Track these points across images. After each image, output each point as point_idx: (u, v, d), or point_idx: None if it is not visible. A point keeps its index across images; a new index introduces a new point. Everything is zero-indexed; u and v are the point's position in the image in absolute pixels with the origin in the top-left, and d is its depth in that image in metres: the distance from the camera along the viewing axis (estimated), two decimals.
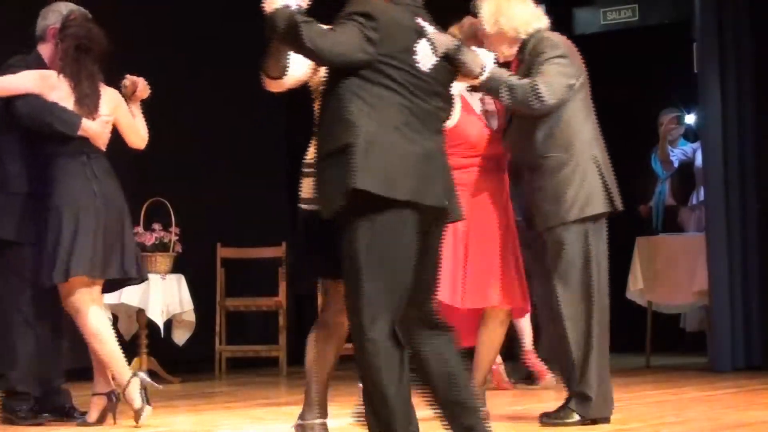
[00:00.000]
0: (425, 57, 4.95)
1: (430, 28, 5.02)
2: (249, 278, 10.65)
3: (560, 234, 6.49)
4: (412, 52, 4.92)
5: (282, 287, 10.43)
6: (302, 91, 5.83)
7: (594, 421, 6.46)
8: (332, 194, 4.80)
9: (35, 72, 7.12)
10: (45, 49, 7.27)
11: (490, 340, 6.86)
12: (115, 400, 7.03)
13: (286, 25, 4.82)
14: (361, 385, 4.90)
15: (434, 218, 4.90)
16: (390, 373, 4.70)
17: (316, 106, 5.37)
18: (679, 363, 10.56)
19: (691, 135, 11.09)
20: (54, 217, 7.02)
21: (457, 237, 6.68)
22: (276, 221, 10.56)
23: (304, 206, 5.58)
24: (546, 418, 6.55)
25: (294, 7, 4.90)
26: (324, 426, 5.76)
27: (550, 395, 7.51)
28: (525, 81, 6.40)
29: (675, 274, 10.38)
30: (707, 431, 6.32)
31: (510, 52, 6.63)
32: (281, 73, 5.34)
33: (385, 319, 4.68)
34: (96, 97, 7.15)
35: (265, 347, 10.58)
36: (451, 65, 5.08)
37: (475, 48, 6.17)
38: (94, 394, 7.10)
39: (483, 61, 5.37)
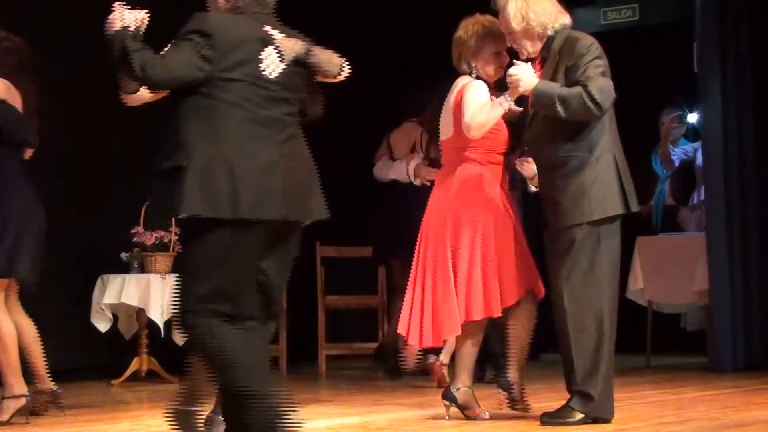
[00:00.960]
0: (271, 64, 5.02)
1: (278, 35, 5.06)
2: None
3: (573, 233, 6.48)
4: (257, 62, 4.96)
5: None
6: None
7: (595, 421, 6.43)
8: (163, 212, 5.06)
9: (3, 82, 7.29)
10: None
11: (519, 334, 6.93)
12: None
13: (119, 53, 4.91)
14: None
15: (282, 226, 5.04)
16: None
17: None
18: (680, 363, 10.58)
19: (691, 134, 11.06)
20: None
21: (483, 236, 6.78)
22: None
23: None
24: (547, 418, 6.52)
25: (132, 29, 4.95)
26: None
27: (551, 396, 7.46)
28: (576, 91, 6.39)
29: (675, 273, 10.38)
30: (707, 431, 6.29)
31: (534, 48, 6.63)
32: (134, 89, 5.40)
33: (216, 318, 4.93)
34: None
35: None
36: (306, 69, 5.15)
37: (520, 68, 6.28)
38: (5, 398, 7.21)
39: (339, 59, 5.30)
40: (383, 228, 9.66)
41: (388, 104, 10.46)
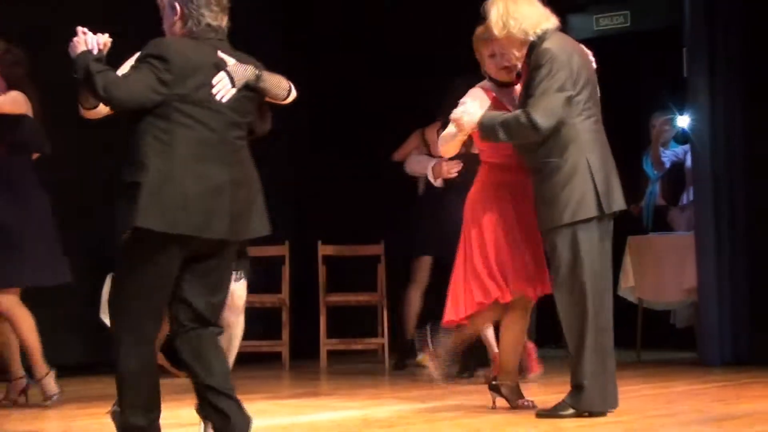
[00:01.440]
0: (223, 89, 5.10)
1: (231, 61, 5.15)
2: (254, 275, 10.63)
3: (552, 237, 6.52)
4: (211, 86, 5.03)
5: (285, 284, 10.45)
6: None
7: (590, 415, 6.47)
8: (120, 223, 5.05)
9: (20, 94, 7.53)
10: None
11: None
12: None
13: (83, 73, 5.02)
14: None
15: (214, 247, 5.18)
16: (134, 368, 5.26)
17: None
18: (669, 358, 10.56)
19: (680, 137, 11.09)
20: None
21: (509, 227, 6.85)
22: (280, 223, 10.54)
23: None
24: (543, 411, 6.57)
25: (95, 52, 5.06)
26: None
27: (551, 389, 7.51)
28: (515, 115, 6.46)
29: (665, 271, 10.40)
30: (696, 424, 6.32)
31: (520, 54, 6.61)
32: (93, 105, 5.43)
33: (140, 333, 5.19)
34: None
35: (268, 343, 10.58)
36: (256, 93, 5.24)
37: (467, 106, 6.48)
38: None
39: (287, 83, 5.38)
40: (421, 225, 9.58)
41: (391, 104, 10.52)
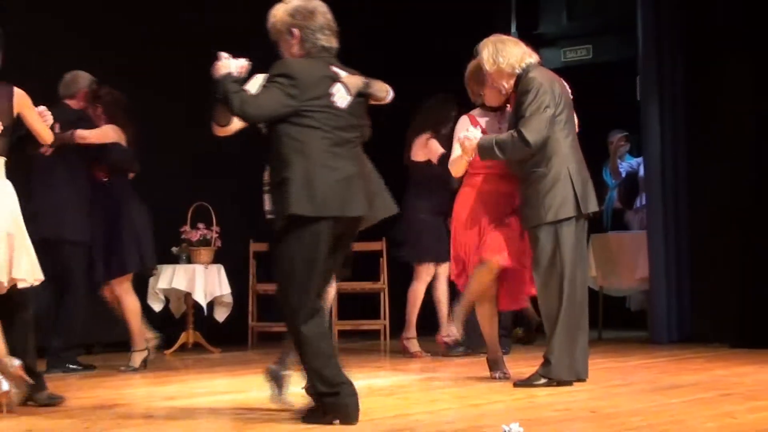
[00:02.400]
0: (341, 98, 5.15)
1: (343, 73, 5.19)
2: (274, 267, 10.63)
3: (536, 233, 6.54)
4: (330, 96, 5.06)
5: None
6: None
7: (559, 383, 6.47)
8: (277, 214, 5.13)
9: (112, 127, 7.90)
10: (73, 103, 8.01)
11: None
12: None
13: (222, 94, 5.10)
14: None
15: (354, 225, 5.26)
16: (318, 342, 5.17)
17: (263, 131, 5.43)
18: (625, 336, 10.57)
19: (635, 150, 11.08)
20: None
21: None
22: None
23: (268, 216, 5.62)
24: (519, 382, 6.57)
25: (235, 74, 5.14)
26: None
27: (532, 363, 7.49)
28: (508, 135, 6.54)
29: (621, 264, 10.42)
30: (648, 392, 6.31)
31: (509, 85, 6.71)
32: (228, 122, 5.54)
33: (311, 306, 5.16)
34: None
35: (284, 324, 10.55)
36: (364, 98, 5.30)
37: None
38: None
39: (387, 86, 5.43)
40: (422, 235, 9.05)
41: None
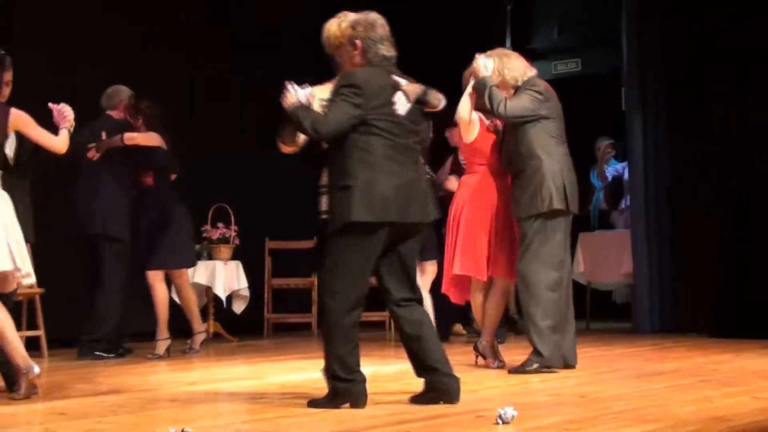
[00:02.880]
0: (401, 105, 5.12)
1: (403, 82, 5.16)
2: (289, 263, 10.66)
3: (529, 222, 6.54)
4: (392, 103, 5.05)
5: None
6: None
7: (549, 368, 6.47)
8: (337, 218, 5.06)
9: (155, 134, 7.99)
10: (115, 114, 8.14)
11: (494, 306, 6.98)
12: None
13: (294, 119, 5.10)
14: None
15: (412, 229, 5.18)
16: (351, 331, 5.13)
17: (324, 145, 5.40)
18: (611, 327, 10.57)
19: (620, 155, 11.08)
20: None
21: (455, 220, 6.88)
22: (310, 221, 10.55)
23: (322, 216, 5.55)
24: (513, 369, 6.57)
25: (304, 101, 5.11)
26: None
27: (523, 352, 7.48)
28: (500, 96, 6.52)
29: (607, 260, 10.42)
30: (632, 378, 6.32)
31: (509, 95, 6.68)
32: (294, 142, 5.55)
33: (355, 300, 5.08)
34: None
35: (300, 315, 10.59)
36: (421, 105, 5.24)
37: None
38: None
39: (440, 94, 5.40)
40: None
41: None
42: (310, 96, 5.16)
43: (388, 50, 5.24)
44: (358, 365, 5.15)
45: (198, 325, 8.41)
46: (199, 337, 8.38)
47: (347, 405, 5.07)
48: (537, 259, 6.53)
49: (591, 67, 11.51)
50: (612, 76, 10.45)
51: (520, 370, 6.51)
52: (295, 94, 5.13)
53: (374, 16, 5.27)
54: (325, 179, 5.51)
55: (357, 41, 5.20)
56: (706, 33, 9.33)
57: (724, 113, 9.30)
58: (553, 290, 6.54)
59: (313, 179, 10.63)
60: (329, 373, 5.18)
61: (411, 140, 5.20)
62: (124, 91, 8.15)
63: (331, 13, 5.41)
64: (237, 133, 10.48)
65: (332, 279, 5.09)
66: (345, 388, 5.10)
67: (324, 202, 5.62)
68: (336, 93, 5.10)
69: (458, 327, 9.77)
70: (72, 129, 6.11)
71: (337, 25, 5.29)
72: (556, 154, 6.61)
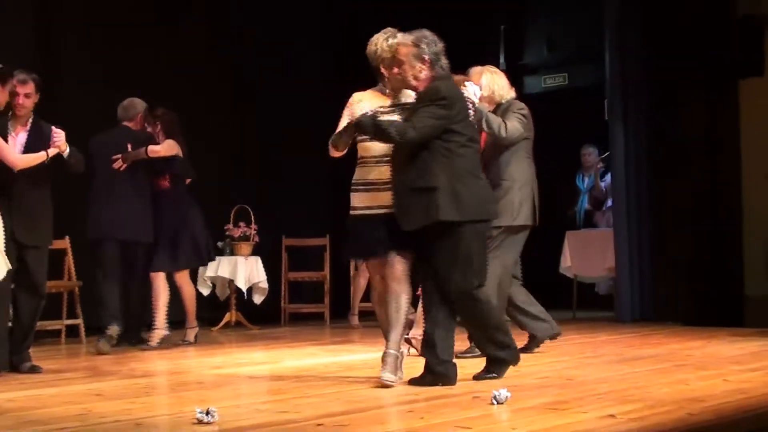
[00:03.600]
0: (471, 110, 5.15)
1: (465, 90, 5.21)
2: (303, 258, 10.66)
3: (492, 232, 6.37)
4: (468, 110, 5.10)
5: (326, 265, 10.44)
6: None
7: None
8: (417, 217, 5.03)
9: (172, 141, 7.82)
10: (132, 125, 7.91)
11: None
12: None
13: (374, 128, 5.02)
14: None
15: (488, 226, 5.31)
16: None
17: (360, 147, 5.33)
18: (595, 316, 10.53)
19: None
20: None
21: None
22: (322, 221, 10.57)
23: (353, 212, 5.34)
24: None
25: (370, 112, 5.05)
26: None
27: None
28: (498, 120, 6.47)
29: (592, 256, 10.41)
30: (614, 362, 6.31)
31: (491, 109, 6.63)
32: (345, 148, 5.32)
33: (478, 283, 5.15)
34: None
35: (314, 305, 10.59)
36: None
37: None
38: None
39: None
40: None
41: None
42: (377, 109, 5.14)
43: (446, 63, 5.25)
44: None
45: (192, 319, 8.15)
46: (192, 332, 8.12)
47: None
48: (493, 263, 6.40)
49: (577, 81, 11.50)
50: (596, 89, 10.44)
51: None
52: (361, 107, 5.10)
53: (429, 32, 5.25)
54: (372, 176, 5.26)
55: (425, 56, 5.17)
56: (681, 50, 9.33)
57: (695, 123, 9.30)
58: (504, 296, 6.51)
59: (324, 186, 10.77)
60: (491, 346, 5.30)
61: (476, 146, 5.26)
62: (139, 104, 7.95)
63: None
64: (257, 140, 10.47)
65: (458, 271, 5.08)
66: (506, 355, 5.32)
67: (356, 198, 5.34)
68: (427, 104, 5.06)
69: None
70: (67, 150, 6.29)
71: (384, 40, 5.25)
72: (526, 169, 6.60)
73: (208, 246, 8.20)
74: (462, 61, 6.99)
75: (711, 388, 4.99)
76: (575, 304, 10.61)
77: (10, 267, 5.82)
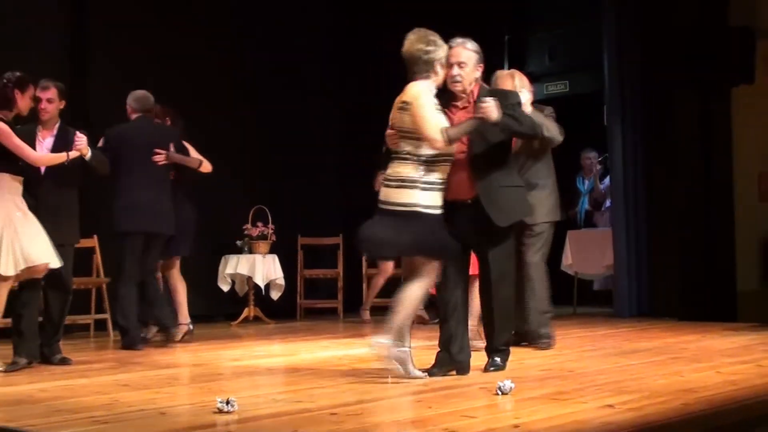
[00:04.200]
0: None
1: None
2: (318, 257, 10.68)
3: (541, 228, 6.51)
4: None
5: (340, 262, 10.45)
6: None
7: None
8: (513, 211, 5.14)
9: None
10: (150, 116, 7.52)
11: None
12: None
13: (526, 125, 5.15)
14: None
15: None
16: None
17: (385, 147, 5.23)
18: (595, 311, 10.52)
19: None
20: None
21: None
22: (335, 221, 10.59)
23: (383, 207, 5.08)
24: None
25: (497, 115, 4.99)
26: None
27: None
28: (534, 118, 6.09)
29: (592, 254, 10.40)
30: (612, 355, 6.30)
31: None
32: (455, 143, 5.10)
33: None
34: None
35: (328, 301, 10.60)
36: None
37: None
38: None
39: None
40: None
41: None
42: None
43: None
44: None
45: (183, 317, 7.80)
46: (182, 328, 7.74)
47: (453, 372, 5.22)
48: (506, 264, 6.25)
49: (577, 88, 11.47)
50: (596, 96, 10.43)
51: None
52: (495, 105, 4.98)
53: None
54: (393, 174, 5.03)
55: (481, 64, 5.24)
56: (675, 59, 9.32)
57: (689, 128, 9.29)
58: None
59: (336, 188, 10.76)
60: (503, 342, 5.34)
61: None
62: (150, 96, 7.54)
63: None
64: (275, 145, 10.47)
65: (507, 264, 5.23)
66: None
67: (385, 193, 5.07)
68: (511, 107, 5.12)
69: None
70: (89, 154, 6.23)
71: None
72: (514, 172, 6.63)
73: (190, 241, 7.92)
74: None
75: (704, 380, 4.99)
76: (575, 299, 10.60)
77: (62, 263, 5.90)
